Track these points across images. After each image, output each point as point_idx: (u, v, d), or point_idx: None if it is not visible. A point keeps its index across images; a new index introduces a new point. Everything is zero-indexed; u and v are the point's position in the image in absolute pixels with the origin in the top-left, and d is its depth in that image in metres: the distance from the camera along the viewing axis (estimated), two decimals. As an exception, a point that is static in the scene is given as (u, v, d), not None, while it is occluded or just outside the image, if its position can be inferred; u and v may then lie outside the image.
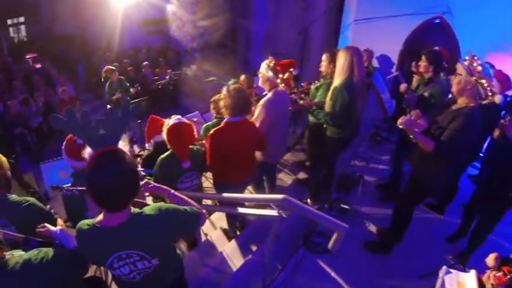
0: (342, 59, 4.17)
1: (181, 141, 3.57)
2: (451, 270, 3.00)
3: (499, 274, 2.80)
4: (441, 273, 2.98)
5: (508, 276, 2.77)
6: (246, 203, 4.02)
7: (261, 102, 4.29)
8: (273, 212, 2.95)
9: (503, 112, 4.65)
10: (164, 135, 3.61)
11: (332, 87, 4.26)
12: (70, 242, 2.26)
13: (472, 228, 4.27)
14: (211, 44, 12.92)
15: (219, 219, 5.18)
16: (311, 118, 5.06)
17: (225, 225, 4.85)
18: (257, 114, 4.27)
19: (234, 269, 4.06)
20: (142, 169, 3.91)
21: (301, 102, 4.84)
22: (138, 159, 5.95)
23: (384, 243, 4.31)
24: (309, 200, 5.16)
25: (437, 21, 7.61)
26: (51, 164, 5.02)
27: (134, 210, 2.01)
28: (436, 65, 4.44)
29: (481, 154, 5.47)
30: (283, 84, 4.73)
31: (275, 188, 5.16)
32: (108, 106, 8.78)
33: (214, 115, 4.92)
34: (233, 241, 4.56)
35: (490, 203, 4.01)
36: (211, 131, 3.73)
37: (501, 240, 4.42)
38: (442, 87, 4.38)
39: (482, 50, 6.03)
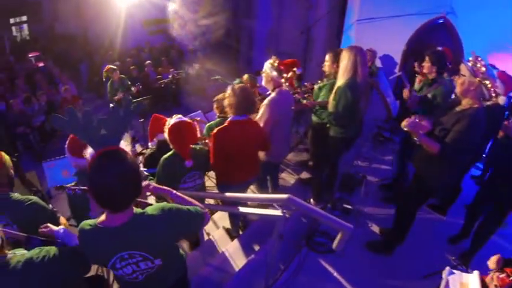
0: (345, 58, 4.16)
1: (183, 140, 3.57)
2: (454, 271, 3.00)
3: (502, 275, 2.79)
4: (444, 274, 2.97)
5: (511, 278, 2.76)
6: (249, 203, 4.01)
7: (265, 101, 4.29)
8: (277, 212, 2.95)
9: (506, 113, 4.64)
10: (166, 135, 3.61)
11: (335, 87, 4.25)
12: (72, 241, 2.25)
13: (474, 229, 4.26)
14: (213, 43, 12.93)
15: (222, 218, 5.18)
16: (314, 118, 5.06)
17: (228, 225, 4.85)
18: (261, 113, 4.27)
19: (237, 269, 4.06)
20: (145, 169, 3.91)
21: (304, 102, 4.83)
22: (140, 157, 5.96)
23: (387, 243, 4.30)
24: (312, 200, 5.15)
25: (441, 21, 7.59)
26: (54, 162, 5.03)
27: (137, 210, 2.00)
28: (440, 66, 4.43)
29: (483, 155, 5.46)
30: (287, 84, 4.72)
31: (278, 188, 5.16)
32: (111, 105, 8.80)
33: (217, 114, 4.91)
34: (236, 241, 4.56)
35: (493, 204, 4.01)
36: (215, 130, 3.73)
37: (504, 241, 4.42)
38: (446, 88, 4.36)
39: (485, 50, 6.02)
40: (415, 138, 3.43)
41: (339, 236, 2.69)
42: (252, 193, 4.87)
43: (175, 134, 3.53)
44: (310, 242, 4.32)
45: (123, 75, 9.30)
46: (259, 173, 4.38)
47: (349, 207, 4.87)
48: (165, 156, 3.62)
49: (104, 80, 9.38)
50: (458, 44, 7.36)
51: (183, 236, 2.71)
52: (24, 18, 15.97)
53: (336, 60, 4.57)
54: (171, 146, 3.61)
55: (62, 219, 3.04)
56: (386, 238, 4.40)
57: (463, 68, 3.37)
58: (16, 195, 2.78)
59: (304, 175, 6.19)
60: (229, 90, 3.81)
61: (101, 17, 13.30)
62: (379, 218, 4.88)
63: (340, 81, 4.20)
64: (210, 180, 5.29)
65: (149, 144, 4.45)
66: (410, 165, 4.68)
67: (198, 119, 5.66)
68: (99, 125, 1.96)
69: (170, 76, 11.62)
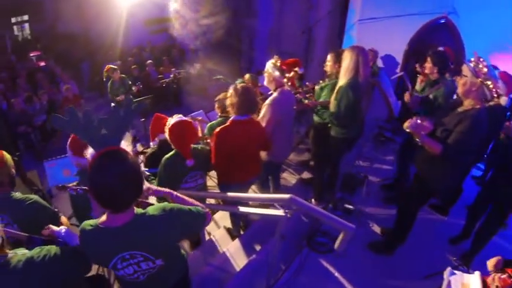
0: (347, 58, 4.16)
1: (183, 139, 3.57)
2: (456, 271, 2.99)
3: (504, 276, 2.78)
4: (446, 274, 2.97)
5: (513, 278, 2.76)
6: (250, 202, 4.01)
7: (267, 101, 4.29)
8: (279, 212, 2.95)
9: (508, 114, 4.63)
10: (166, 135, 3.62)
11: (337, 87, 4.25)
12: (74, 241, 2.25)
13: (476, 229, 4.25)
14: (214, 42, 12.91)
15: (223, 218, 5.18)
16: (316, 118, 5.06)
17: (229, 225, 4.85)
18: (263, 113, 4.27)
19: (238, 269, 4.06)
20: (146, 169, 3.91)
21: (306, 101, 4.83)
22: (142, 156, 5.95)
23: (388, 243, 4.30)
24: (313, 200, 5.16)
25: (443, 21, 7.58)
26: (55, 162, 5.04)
27: (138, 210, 2.00)
28: (442, 66, 4.42)
29: (485, 156, 5.45)
30: (289, 83, 4.72)
31: (280, 188, 5.16)
32: (112, 104, 8.80)
33: (219, 114, 4.91)
34: (237, 240, 4.56)
35: (495, 204, 4.00)
36: (217, 129, 3.73)
37: (505, 242, 4.42)
38: (447, 88, 4.35)
39: (487, 50, 6.02)
40: (417, 140, 3.42)
41: (341, 236, 2.69)
42: (253, 193, 4.87)
43: (175, 133, 3.53)
44: (311, 242, 4.31)
45: (123, 75, 9.31)
46: (261, 172, 4.38)
47: (351, 207, 4.86)
48: (167, 156, 3.62)
49: (104, 80, 9.38)
50: (460, 44, 7.36)
51: (185, 236, 2.71)
52: (26, 17, 15.96)
53: (337, 60, 4.57)
54: (173, 146, 3.61)
55: (63, 219, 3.05)
56: (388, 238, 4.40)
57: (465, 69, 3.37)
58: (17, 195, 2.79)
59: (306, 175, 6.19)
60: (231, 90, 3.81)
61: (103, 16, 13.27)
62: (380, 218, 4.87)
63: (342, 81, 4.20)
64: (211, 180, 5.28)
65: (151, 143, 4.46)
66: (411, 165, 4.68)
67: (200, 118, 5.67)
68: (99, 125, 1.95)
69: (172, 75, 11.62)
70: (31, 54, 14.16)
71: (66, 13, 14.13)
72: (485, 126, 3.26)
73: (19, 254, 1.93)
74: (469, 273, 2.99)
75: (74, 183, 3.43)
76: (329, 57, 4.83)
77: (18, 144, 8.66)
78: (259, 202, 4.06)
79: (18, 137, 8.67)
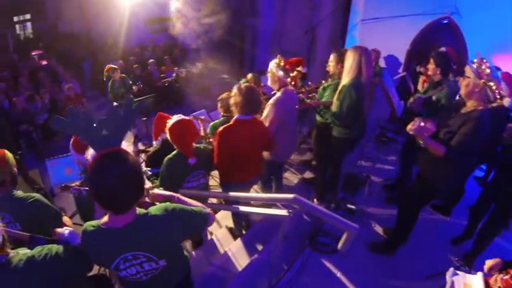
0: (350, 58, 4.15)
1: (184, 138, 3.57)
2: (458, 272, 2.99)
3: (506, 277, 2.78)
4: (448, 274, 2.97)
5: (516, 279, 2.75)
6: (252, 202, 4.01)
7: (271, 101, 4.28)
8: (283, 212, 2.94)
9: (511, 115, 4.62)
10: (167, 135, 3.62)
11: (340, 87, 4.25)
12: (76, 240, 2.25)
13: (478, 230, 4.25)
14: (217, 41, 12.92)
15: (225, 217, 5.18)
16: (318, 118, 5.06)
17: (231, 224, 4.86)
18: (266, 113, 4.26)
19: (240, 268, 4.06)
20: (149, 169, 3.91)
21: (308, 101, 4.82)
22: (143, 155, 5.95)
23: (389, 243, 4.30)
24: (315, 200, 5.16)
25: (446, 21, 7.57)
26: (57, 161, 5.04)
27: (140, 210, 2.00)
28: (444, 67, 4.41)
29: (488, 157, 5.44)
30: (293, 83, 4.72)
31: (282, 188, 5.16)
32: (115, 104, 8.81)
33: (222, 113, 4.91)
34: (239, 240, 4.55)
35: (497, 205, 4.00)
36: (220, 129, 3.73)
37: (507, 243, 4.41)
38: (451, 89, 4.34)
39: (490, 51, 6.02)
40: (421, 142, 3.42)
41: (344, 236, 2.68)
42: (255, 193, 4.87)
43: (176, 133, 3.54)
44: (313, 242, 4.31)
45: (124, 75, 9.30)
46: (263, 172, 4.38)
47: (353, 207, 4.86)
48: (169, 156, 3.62)
49: (104, 79, 9.37)
50: (463, 44, 7.34)
51: (187, 236, 2.71)
52: (28, 16, 15.98)
53: (340, 60, 4.57)
54: (174, 146, 3.61)
55: (66, 218, 3.05)
56: (389, 238, 4.40)
57: (468, 70, 3.36)
58: (19, 193, 2.80)
59: (308, 175, 6.19)
60: (235, 90, 3.80)
61: (105, 15, 13.29)
62: (382, 218, 4.87)
63: (345, 80, 4.20)
64: (213, 180, 5.29)
65: (154, 142, 4.45)
66: (413, 166, 4.68)
67: (202, 117, 5.67)
68: (100, 126, 1.94)
69: (174, 75, 11.62)
70: (33, 53, 14.18)
71: (68, 12, 14.17)
72: (488, 128, 3.25)
73: (20, 254, 1.93)
74: (471, 273, 2.99)
75: (77, 183, 3.43)
76: (332, 57, 4.83)
77: (20, 143, 8.67)
78: (263, 202, 4.05)
79: (20, 135, 8.67)
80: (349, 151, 4.93)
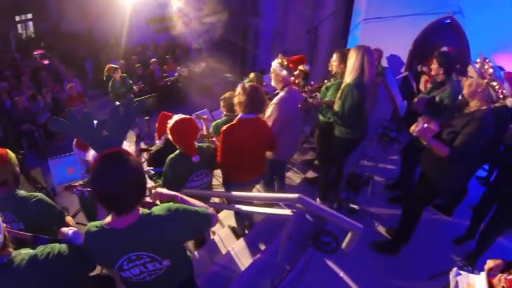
0: (352, 58, 4.14)
1: (185, 136, 3.56)
2: (461, 271, 2.99)
3: (510, 277, 2.78)
4: (452, 274, 2.96)
5: (520, 279, 2.75)
6: (254, 202, 4.01)
7: (274, 100, 4.28)
8: (287, 211, 2.94)
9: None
10: (169, 135, 3.62)
11: (342, 86, 4.24)
12: (79, 240, 2.25)
13: (480, 230, 4.25)
14: (218, 41, 12.93)
15: (227, 217, 5.18)
16: (321, 117, 5.06)
17: (233, 224, 4.85)
18: (270, 112, 4.26)
19: (243, 268, 4.06)
20: (151, 168, 3.90)
21: (311, 100, 4.82)
22: (145, 154, 5.95)
23: (392, 243, 4.30)
24: (318, 199, 5.15)
25: (448, 21, 7.55)
26: (59, 160, 5.04)
27: (143, 211, 2.00)
28: (447, 67, 4.40)
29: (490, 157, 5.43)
30: (297, 81, 4.71)
31: (284, 187, 5.15)
32: (117, 103, 8.81)
33: (224, 113, 4.90)
34: (241, 239, 4.56)
35: (500, 205, 3.99)
36: (224, 127, 3.74)
37: (510, 243, 4.40)
38: (454, 89, 4.33)
39: (492, 50, 6.01)
40: (425, 142, 3.41)
41: (349, 236, 2.68)
42: (257, 192, 4.87)
43: (177, 132, 3.53)
44: (316, 241, 4.30)
45: (124, 74, 9.28)
46: (266, 171, 4.38)
47: (356, 207, 4.85)
48: (172, 156, 3.61)
49: (104, 79, 9.36)
50: (465, 44, 7.33)
51: (190, 236, 2.70)
52: (30, 15, 16.02)
53: (343, 60, 4.56)
54: (177, 146, 3.61)
55: (68, 218, 3.05)
56: (392, 238, 4.39)
57: (471, 70, 3.36)
58: (22, 193, 2.80)
59: (310, 174, 6.19)
60: (239, 89, 3.80)
61: (106, 15, 13.31)
62: (385, 218, 4.87)
63: (347, 80, 4.19)
64: (215, 179, 5.28)
65: (157, 142, 4.45)
66: (416, 166, 4.67)
67: (205, 116, 5.67)
68: (100, 127, 1.94)
69: (176, 74, 11.63)
70: (35, 53, 14.24)
71: (70, 12, 14.18)
72: (491, 128, 3.25)
73: (22, 253, 1.92)
74: (473, 273, 2.99)
75: (80, 182, 3.43)
76: (334, 56, 4.82)
77: (22, 142, 8.70)
78: (267, 201, 4.05)
79: (22, 135, 8.70)
80: (352, 151, 4.91)
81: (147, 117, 8.87)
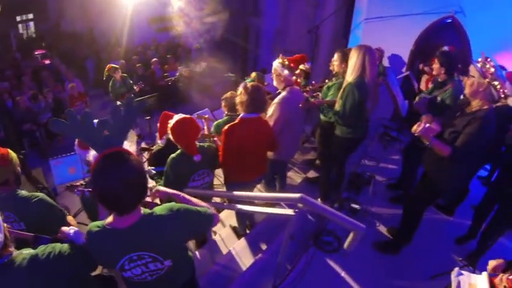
0: (353, 57, 4.13)
1: (187, 136, 3.56)
2: (463, 271, 2.98)
3: (512, 277, 2.77)
4: (453, 274, 2.95)
5: (522, 279, 2.74)
6: (255, 201, 4.01)
7: (276, 100, 4.28)
8: (289, 211, 2.93)
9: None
10: (170, 135, 3.62)
11: (343, 86, 4.23)
12: (80, 240, 2.25)
13: (482, 229, 4.24)
14: (219, 41, 12.92)
15: (229, 217, 5.18)
16: (322, 117, 5.05)
17: (235, 223, 4.86)
18: (271, 112, 4.26)
19: (244, 268, 4.06)
20: (153, 167, 3.90)
21: (312, 100, 4.81)
22: (146, 153, 5.95)
23: (394, 243, 4.29)
24: (319, 199, 5.14)
25: (449, 20, 7.54)
26: (60, 160, 5.03)
27: (145, 211, 1.99)
28: (449, 67, 4.38)
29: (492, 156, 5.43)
30: (299, 80, 4.70)
31: (285, 187, 5.15)
32: (118, 103, 8.81)
33: (226, 112, 4.90)
34: (242, 239, 4.56)
35: (501, 205, 3.99)
36: (226, 126, 3.74)
37: (511, 243, 4.39)
38: (456, 88, 4.32)
39: (494, 50, 5.99)
40: (426, 143, 3.40)
41: (350, 236, 2.67)
42: (259, 192, 4.86)
43: (178, 132, 3.54)
44: (317, 241, 4.30)
45: (125, 74, 9.29)
46: (267, 171, 4.38)
47: (357, 206, 4.84)
48: (173, 155, 3.61)
49: (104, 79, 9.35)
50: (467, 43, 7.32)
51: (192, 236, 2.70)
52: (31, 16, 16.07)
53: (344, 59, 4.55)
54: (178, 145, 3.61)
55: (70, 218, 3.05)
56: (393, 238, 4.39)
57: (472, 69, 3.35)
58: (23, 193, 2.80)
59: (311, 174, 6.17)
60: (241, 88, 3.80)
61: (107, 14, 13.32)
62: (386, 217, 4.86)
63: (348, 79, 4.18)
64: (217, 179, 5.28)
65: (159, 142, 4.45)
66: (418, 166, 4.67)
67: (206, 116, 5.66)
68: (100, 127, 1.94)
69: (177, 74, 11.62)
70: (36, 53, 14.26)
71: (71, 11, 14.21)
72: (493, 127, 3.24)
73: (24, 253, 1.92)
74: (475, 273, 2.98)
75: (82, 182, 3.43)
76: (336, 56, 4.81)
77: (24, 142, 8.72)
78: (268, 201, 4.05)
79: (24, 134, 8.72)
80: (353, 150, 4.91)
81: (148, 117, 8.87)
